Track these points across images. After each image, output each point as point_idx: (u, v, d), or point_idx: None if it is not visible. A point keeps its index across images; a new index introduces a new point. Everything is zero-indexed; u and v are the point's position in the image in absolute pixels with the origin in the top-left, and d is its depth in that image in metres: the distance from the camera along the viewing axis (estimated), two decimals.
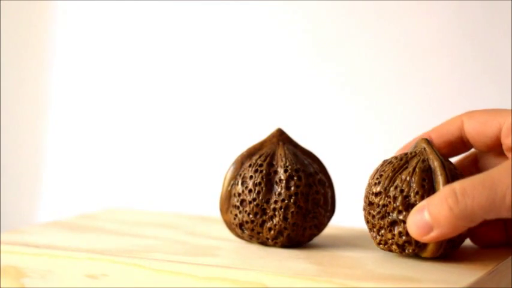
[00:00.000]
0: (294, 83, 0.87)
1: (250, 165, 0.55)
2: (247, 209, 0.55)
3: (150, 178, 0.92)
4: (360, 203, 0.54)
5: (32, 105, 0.96)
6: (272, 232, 0.54)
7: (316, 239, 0.58)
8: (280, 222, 0.54)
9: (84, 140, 0.94)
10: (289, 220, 0.54)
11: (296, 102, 0.87)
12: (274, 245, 0.55)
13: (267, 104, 0.88)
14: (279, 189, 0.54)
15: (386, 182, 0.51)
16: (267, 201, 0.54)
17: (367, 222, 0.53)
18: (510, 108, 0.78)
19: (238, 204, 0.55)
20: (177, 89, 0.91)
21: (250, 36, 0.88)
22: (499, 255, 0.54)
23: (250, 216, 0.55)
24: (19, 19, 0.95)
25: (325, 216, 0.56)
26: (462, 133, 0.54)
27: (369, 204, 0.52)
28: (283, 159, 0.55)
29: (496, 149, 0.54)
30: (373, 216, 0.52)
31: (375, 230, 0.52)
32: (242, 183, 0.55)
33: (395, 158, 0.53)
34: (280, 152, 0.56)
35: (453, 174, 0.51)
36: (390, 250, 0.52)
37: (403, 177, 0.51)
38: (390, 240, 0.52)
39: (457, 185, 0.48)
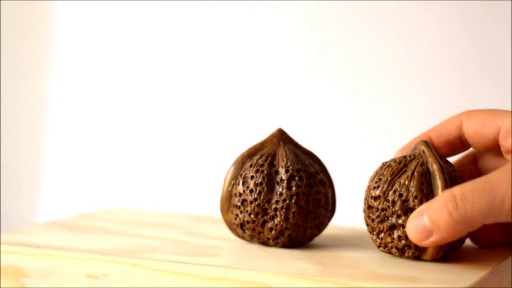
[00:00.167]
0: (294, 83, 0.87)
1: (251, 165, 0.55)
2: (249, 209, 0.55)
3: (150, 178, 0.92)
4: (360, 203, 0.54)
5: (32, 105, 0.96)
6: (273, 232, 0.54)
7: (317, 239, 0.58)
8: (282, 222, 0.54)
9: (84, 140, 0.94)
10: (290, 220, 0.54)
11: (296, 102, 0.87)
12: (275, 245, 0.55)
13: (267, 104, 0.88)
14: (280, 189, 0.54)
15: (385, 186, 0.51)
16: (268, 201, 0.54)
17: (367, 225, 0.53)
18: (510, 108, 0.78)
19: (239, 204, 0.55)
20: (177, 89, 0.91)
21: (250, 36, 0.88)
22: (499, 255, 0.54)
23: (252, 216, 0.55)
24: (19, 19, 0.95)
25: (325, 216, 0.56)
26: (461, 133, 0.54)
27: (368, 207, 0.52)
28: (284, 159, 0.55)
29: (494, 149, 0.54)
30: (373, 220, 0.52)
31: (374, 233, 0.52)
32: (243, 183, 0.55)
33: (394, 161, 0.52)
34: (281, 152, 0.56)
35: (452, 177, 0.51)
36: (390, 253, 0.52)
37: (402, 181, 0.51)
38: (390, 244, 0.52)
39: (456, 190, 0.48)
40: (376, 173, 0.53)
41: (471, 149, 0.56)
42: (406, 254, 0.51)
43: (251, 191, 0.55)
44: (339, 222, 0.63)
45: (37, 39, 0.95)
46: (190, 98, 0.90)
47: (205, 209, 0.79)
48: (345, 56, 0.85)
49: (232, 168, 0.56)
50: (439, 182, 0.51)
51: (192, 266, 0.50)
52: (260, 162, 0.55)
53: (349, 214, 0.69)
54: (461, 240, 0.52)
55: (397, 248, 0.51)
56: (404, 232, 0.51)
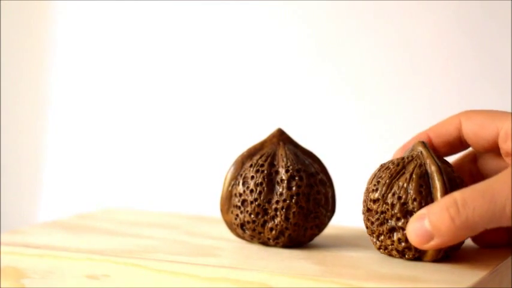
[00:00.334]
0: (294, 83, 0.87)
1: (251, 166, 0.55)
2: (249, 209, 0.55)
3: (150, 178, 0.92)
4: (361, 203, 0.54)
5: (32, 105, 0.95)
6: (273, 232, 0.54)
7: (317, 239, 0.58)
8: (282, 222, 0.54)
9: (84, 140, 0.94)
10: (290, 220, 0.54)
11: (296, 102, 0.87)
12: (276, 245, 0.55)
13: (267, 104, 0.88)
14: (281, 190, 0.54)
15: (384, 189, 0.51)
16: (269, 202, 0.54)
17: (367, 227, 0.53)
18: (510, 109, 0.78)
19: (239, 204, 0.55)
20: (176, 89, 0.91)
21: (251, 36, 0.88)
22: (499, 255, 0.54)
23: (252, 216, 0.55)
24: (19, 19, 0.95)
25: (326, 216, 0.56)
26: (460, 133, 0.54)
27: (368, 210, 0.52)
28: (284, 159, 0.55)
29: (494, 151, 0.54)
30: (372, 223, 0.52)
31: (374, 235, 0.52)
32: (243, 184, 0.55)
33: (392, 163, 0.52)
34: (281, 152, 0.56)
35: (450, 178, 0.51)
36: (390, 255, 0.52)
37: (401, 183, 0.51)
38: (390, 246, 0.52)
39: (457, 195, 0.48)
40: (375, 175, 0.53)
41: (471, 148, 0.56)
42: (406, 256, 0.51)
43: (251, 191, 0.55)
44: (339, 222, 0.63)
45: (37, 39, 0.95)
46: (190, 98, 0.90)
47: (205, 209, 0.79)
48: (345, 56, 0.85)
49: (232, 169, 0.56)
50: (437, 184, 0.51)
51: (192, 266, 0.50)
52: (260, 162, 0.55)
53: (349, 214, 0.69)
54: (462, 241, 0.52)
55: (397, 251, 0.52)
56: (404, 234, 0.51)
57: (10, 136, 0.96)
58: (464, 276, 0.48)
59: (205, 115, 0.90)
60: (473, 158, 0.57)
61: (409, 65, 0.83)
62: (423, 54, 0.83)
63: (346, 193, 0.68)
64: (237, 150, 0.59)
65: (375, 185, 0.52)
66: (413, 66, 0.83)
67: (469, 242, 0.57)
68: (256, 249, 0.55)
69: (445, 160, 0.53)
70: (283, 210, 0.54)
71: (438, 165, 0.51)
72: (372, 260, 0.52)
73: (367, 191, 0.52)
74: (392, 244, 0.51)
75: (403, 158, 0.52)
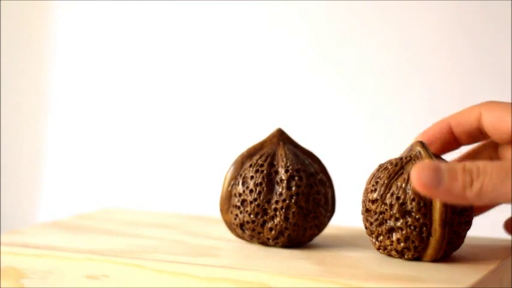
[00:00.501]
0: (294, 83, 0.87)
1: (250, 166, 0.55)
2: (248, 209, 0.55)
3: (150, 178, 0.92)
4: (360, 202, 0.54)
5: (32, 105, 0.96)
6: (273, 232, 0.54)
7: (317, 239, 0.58)
8: (281, 222, 0.54)
9: (84, 140, 0.94)
10: (290, 220, 0.54)
11: (296, 102, 0.87)
12: (275, 245, 0.55)
13: (267, 104, 0.88)
14: (280, 189, 0.54)
15: (382, 189, 0.51)
16: (268, 202, 0.54)
17: (366, 228, 0.53)
18: None
19: (239, 204, 0.55)
20: (176, 89, 0.91)
21: (251, 37, 0.88)
22: (499, 255, 0.54)
23: (251, 216, 0.55)
24: (19, 19, 0.95)
25: (325, 216, 0.56)
26: (480, 124, 0.54)
27: (366, 210, 0.52)
28: (284, 159, 0.55)
29: None
30: (371, 223, 0.52)
31: (373, 236, 0.52)
32: (243, 183, 0.55)
33: (391, 163, 0.52)
34: (280, 152, 0.56)
35: None
36: (390, 255, 0.52)
37: (399, 184, 0.51)
38: (389, 247, 0.52)
39: (480, 163, 0.46)
40: (373, 175, 0.53)
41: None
42: (405, 256, 0.51)
43: (251, 191, 0.55)
44: (338, 222, 0.63)
45: (37, 39, 0.95)
46: (190, 98, 0.90)
47: (205, 209, 0.79)
48: (345, 56, 0.85)
49: (231, 168, 0.56)
50: None
51: (192, 266, 0.50)
52: (260, 162, 0.55)
53: (349, 214, 0.69)
54: (461, 241, 0.52)
55: (396, 251, 0.52)
56: (403, 235, 0.51)
57: (10, 136, 0.96)
58: (464, 276, 0.48)
59: (205, 115, 0.90)
60: (494, 145, 0.56)
61: (409, 65, 0.83)
62: (423, 54, 0.83)
63: (346, 193, 0.68)
64: (237, 150, 0.59)
65: (373, 185, 0.52)
66: (413, 66, 0.83)
67: (468, 242, 0.57)
68: (255, 249, 0.55)
69: (444, 160, 0.53)
70: (283, 210, 0.54)
71: None
72: (371, 260, 0.52)
73: (366, 192, 0.53)
74: (391, 244, 0.51)
75: (401, 158, 0.52)
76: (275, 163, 0.55)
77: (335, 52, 0.85)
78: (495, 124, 0.53)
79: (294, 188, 0.54)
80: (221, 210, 0.56)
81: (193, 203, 0.89)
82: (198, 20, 0.89)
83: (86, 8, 0.93)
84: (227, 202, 0.56)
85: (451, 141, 0.56)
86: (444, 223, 0.50)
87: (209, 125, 0.90)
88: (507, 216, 0.60)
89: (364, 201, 0.53)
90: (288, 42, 0.87)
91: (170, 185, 0.91)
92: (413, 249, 0.51)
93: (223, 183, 0.56)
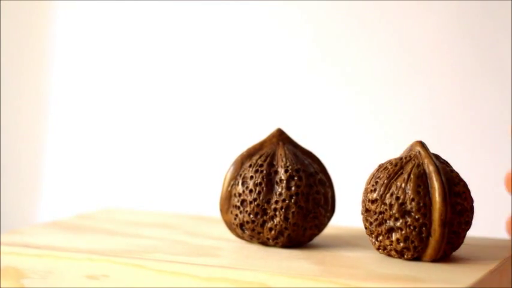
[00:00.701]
0: (293, 83, 0.87)
1: (250, 166, 0.55)
2: (248, 209, 0.55)
3: (150, 178, 0.92)
4: (360, 202, 0.54)
5: (32, 105, 0.96)
6: (273, 232, 0.54)
7: (317, 239, 0.58)
8: (281, 223, 0.54)
9: (84, 140, 0.94)
10: (290, 220, 0.54)
11: (296, 102, 0.87)
12: (275, 245, 0.55)
13: (266, 104, 0.88)
14: (280, 189, 0.54)
15: (382, 189, 0.51)
16: (268, 202, 0.54)
17: (366, 228, 0.53)
18: (510, 109, 0.78)
19: (238, 204, 0.55)
20: (176, 89, 0.91)
21: (251, 37, 0.88)
22: (499, 255, 0.54)
23: (251, 216, 0.55)
24: (19, 19, 0.95)
25: (325, 216, 0.56)
26: None
27: (366, 210, 0.53)
28: (284, 159, 0.55)
29: None
30: (371, 223, 0.52)
31: (373, 236, 0.52)
32: (243, 184, 0.55)
33: (390, 163, 0.52)
34: (280, 152, 0.56)
35: (449, 178, 0.51)
36: (389, 255, 0.52)
37: (399, 184, 0.51)
38: (389, 247, 0.52)
39: None
40: (373, 175, 0.53)
41: None
42: (405, 256, 0.52)
43: (250, 191, 0.55)
44: (338, 222, 0.63)
45: (37, 39, 0.95)
46: (190, 98, 0.90)
47: (205, 209, 0.79)
48: (345, 56, 0.85)
49: (231, 169, 0.56)
50: (435, 184, 0.51)
51: (192, 266, 0.50)
52: (259, 162, 0.55)
53: (349, 214, 0.69)
54: (461, 241, 0.52)
55: (396, 251, 0.52)
56: (402, 235, 0.51)
57: (10, 136, 0.96)
58: (463, 276, 0.48)
59: (205, 115, 0.90)
60: None
61: (409, 65, 0.83)
62: (423, 54, 0.83)
63: (346, 193, 0.68)
64: (237, 150, 0.59)
65: (373, 185, 0.52)
66: (413, 66, 0.83)
67: (468, 242, 0.57)
68: (255, 249, 0.55)
69: (444, 160, 0.53)
70: (283, 210, 0.54)
71: (436, 165, 0.51)
72: (371, 260, 0.52)
73: (366, 192, 0.53)
74: (391, 244, 0.51)
75: (401, 158, 0.52)
76: (275, 163, 0.55)
77: (335, 52, 0.85)
78: None
79: (293, 188, 0.54)
80: (221, 210, 0.56)
81: (193, 203, 0.89)
82: (198, 20, 0.89)
83: (86, 8, 0.93)
84: (227, 202, 0.56)
85: None
86: (444, 223, 0.50)
87: (209, 125, 0.90)
88: (507, 216, 0.60)
89: (363, 201, 0.53)
90: (288, 42, 0.87)
91: (170, 185, 0.91)
92: (413, 249, 0.51)
93: (223, 183, 0.56)
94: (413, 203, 0.51)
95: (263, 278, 0.48)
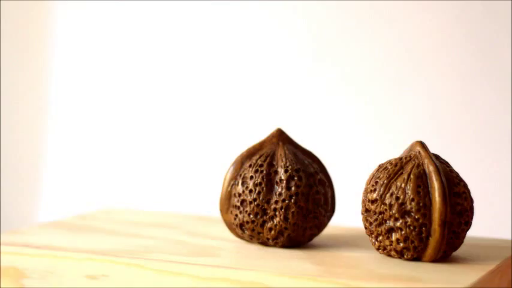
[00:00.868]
0: (293, 83, 0.87)
1: (250, 166, 0.55)
2: (248, 209, 0.55)
3: (150, 178, 0.92)
4: (360, 202, 0.54)
5: (32, 105, 0.96)
6: (273, 232, 0.54)
7: (317, 239, 0.58)
8: (281, 223, 0.54)
9: (84, 140, 0.94)
10: (289, 220, 0.54)
11: (296, 102, 0.87)
12: (275, 245, 0.55)
13: (267, 104, 0.88)
14: (280, 190, 0.54)
15: (382, 189, 0.51)
16: (268, 202, 0.54)
17: (365, 228, 0.53)
18: (510, 108, 0.78)
19: (238, 204, 0.55)
20: (176, 89, 0.91)
21: (250, 37, 0.88)
22: (499, 255, 0.54)
23: (251, 216, 0.55)
24: (19, 19, 0.95)
25: (325, 216, 0.56)
26: None
27: (366, 210, 0.53)
28: (284, 159, 0.55)
29: None
30: (371, 223, 0.52)
31: (373, 236, 0.52)
32: (242, 184, 0.55)
33: (390, 163, 0.52)
34: (280, 152, 0.56)
35: (448, 178, 0.51)
36: (389, 255, 0.52)
37: (398, 184, 0.51)
38: (389, 247, 0.52)
39: None
40: (373, 175, 0.53)
41: None
42: (405, 256, 0.52)
43: (250, 191, 0.55)
44: (338, 222, 0.63)
45: (37, 39, 0.95)
46: (190, 98, 0.90)
47: (205, 209, 0.79)
48: (345, 56, 0.85)
49: (231, 169, 0.56)
50: (435, 184, 0.51)
51: (192, 266, 0.50)
52: (259, 162, 0.55)
53: (348, 214, 0.69)
54: (461, 241, 0.52)
55: (395, 251, 0.52)
56: (402, 235, 0.51)
57: (10, 136, 0.96)
58: (463, 276, 0.48)
59: (205, 115, 0.90)
60: None
61: (409, 65, 0.83)
62: (423, 55, 0.83)
63: (346, 193, 0.68)
64: (237, 150, 0.59)
65: (373, 185, 0.52)
66: (413, 66, 0.83)
67: (468, 242, 0.57)
68: (255, 249, 0.55)
69: (444, 160, 0.53)
70: (282, 210, 0.54)
71: (436, 165, 0.51)
72: (371, 260, 0.52)
73: (366, 192, 0.53)
74: (390, 244, 0.51)
75: (401, 158, 0.52)
76: (274, 163, 0.55)
77: (335, 52, 0.85)
78: None
79: (293, 188, 0.54)
80: (221, 210, 0.56)
81: (193, 203, 0.89)
82: (198, 20, 0.89)
83: (86, 8, 0.93)
84: (227, 202, 0.56)
85: None
86: (443, 223, 0.50)
87: (209, 125, 0.90)
88: (507, 216, 0.60)
89: (363, 201, 0.53)
90: (287, 42, 0.87)
91: (170, 185, 0.91)
92: (413, 250, 0.51)
93: (223, 184, 0.56)
94: (413, 203, 0.51)
95: (263, 278, 0.48)
